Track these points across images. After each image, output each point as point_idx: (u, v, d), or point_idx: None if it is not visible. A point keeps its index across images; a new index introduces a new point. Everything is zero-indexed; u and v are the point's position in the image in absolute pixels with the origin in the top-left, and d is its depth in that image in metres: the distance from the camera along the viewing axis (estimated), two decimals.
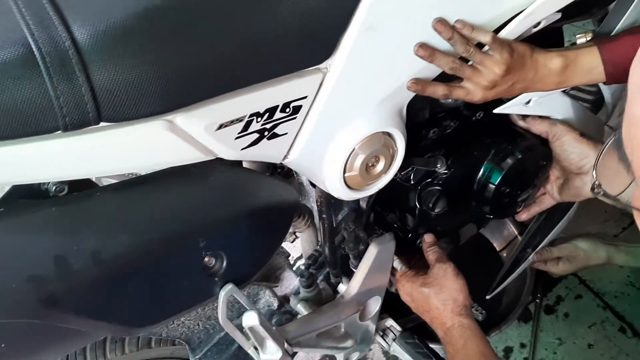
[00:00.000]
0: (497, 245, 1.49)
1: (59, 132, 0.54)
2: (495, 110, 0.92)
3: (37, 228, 0.54)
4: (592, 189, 0.54)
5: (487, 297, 1.19)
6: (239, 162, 0.79)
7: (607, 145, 0.53)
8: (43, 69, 0.51)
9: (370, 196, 0.91)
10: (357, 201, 0.96)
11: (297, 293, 0.92)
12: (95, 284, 0.56)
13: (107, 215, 0.58)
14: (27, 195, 0.60)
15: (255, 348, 0.70)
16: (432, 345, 1.05)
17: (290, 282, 0.95)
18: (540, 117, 1.02)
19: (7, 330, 0.52)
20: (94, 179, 0.67)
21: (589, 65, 0.86)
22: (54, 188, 0.60)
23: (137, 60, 0.55)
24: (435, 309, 0.97)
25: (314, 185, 0.89)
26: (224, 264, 0.66)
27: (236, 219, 0.66)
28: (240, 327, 0.67)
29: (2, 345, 0.55)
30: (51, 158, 0.55)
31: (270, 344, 0.70)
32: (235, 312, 0.89)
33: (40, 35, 0.52)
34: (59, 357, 0.85)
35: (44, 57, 0.51)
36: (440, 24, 0.74)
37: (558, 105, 1.01)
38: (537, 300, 1.44)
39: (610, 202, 0.53)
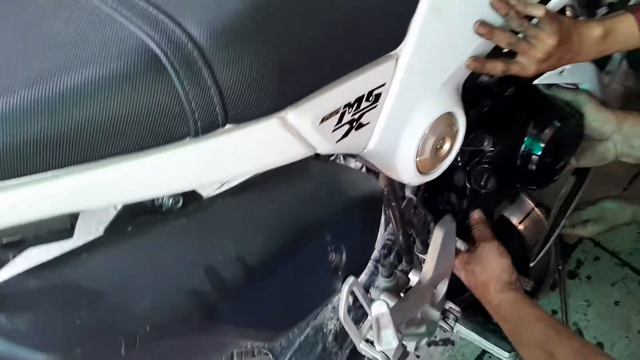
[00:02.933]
0: (515, 220, 1.52)
1: (187, 139, 0.52)
2: (536, 82, 0.95)
3: (178, 241, 0.52)
4: None
5: (531, 264, 1.21)
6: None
7: None
8: (172, 73, 0.49)
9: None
10: (411, 190, 0.96)
11: (367, 286, 0.91)
12: (245, 290, 0.54)
13: (238, 221, 0.56)
14: (140, 214, 0.57)
15: (367, 341, 0.69)
16: None
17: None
18: (564, 86, 1.06)
19: (169, 349, 0.50)
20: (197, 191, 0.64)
21: (627, 32, 0.88)
22: (170, 202, 0.57)
23: (256, 57, 0.53)
24: (481, 286, 0.98)
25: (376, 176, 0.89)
26: (344, 256, 0.65)
27: (344, 211, 0.65)
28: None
29: None
30: (178, 168, 0.53)
31: (387, 334, 0.69)
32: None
33: (160, 39, 0.50)
34: None
35: (170, 61, 0.49)
36: (497, 1, 0.75)
37: (586, 72, 1.05)
38: (560, 267, 1.48)
39: None
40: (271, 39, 0.55)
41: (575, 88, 1.07)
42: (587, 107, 1.03)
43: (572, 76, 1.00)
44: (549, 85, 1.07)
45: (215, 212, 0.56)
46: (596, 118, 1.02)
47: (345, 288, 0.65)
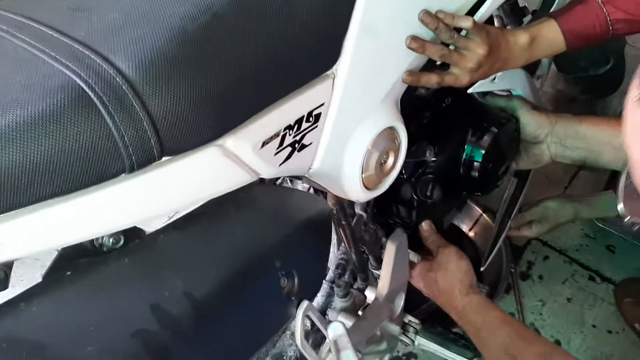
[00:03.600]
0: (465, 227, 1.55)
1: (123, 175, 0.50)
2: (470, 90, 0.97)
3: (122, 282, 0.50)
4: (624, 219, 0.56)
5: (482, 268, 1.23)
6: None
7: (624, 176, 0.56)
8: (102, 108, 0.48)
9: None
10: (360, 207, 0.96)
11: (324, 308, 0.90)
12: (197, 326, 0.52)
13: (184, 255, 0.54)
14: (80, 256, 0.54)
15: None
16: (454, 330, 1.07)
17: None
18: (498, 93, 1.09)
19: None
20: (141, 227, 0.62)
21: (551, 37, 0.92)
22: (110, 241, 0.55)
23: (188, 86, 0.52)
24: (444, 293, 0.99)
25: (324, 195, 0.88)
26: (296, 281, 0.63)
27: (293, 235, 0.64)
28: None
29: None
30: (116, 205, 0.51)
31: (347, 355, 0.68)
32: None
33: (87, 75, 0.49)
34: None
35: (99, 96, 0.48)
36: (426, 15, 0.77)
37: (517, 78, 1.08)
38: (512, 270, 1.51)
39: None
40: (202, 68, 0.54)
41: (509, 94, 1.11)
42: (520, 111, 1.06)
43: (504, 83, 1.03)
44: (484, 94, 1.10)
45: (159, 248, 0.54)
46: (529, 121, 1.05)
47: (299, 313, 0.64)
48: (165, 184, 0.53)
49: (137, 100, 0.49)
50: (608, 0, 0.90)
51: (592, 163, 1.02)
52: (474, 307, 0.97)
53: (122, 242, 0.56)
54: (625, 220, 0.53)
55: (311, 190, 0.92)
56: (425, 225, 1.05)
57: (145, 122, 0.50)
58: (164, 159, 0.52)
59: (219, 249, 0.57)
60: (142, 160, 0.50)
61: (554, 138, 1.04)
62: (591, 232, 1.61)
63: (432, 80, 0.83)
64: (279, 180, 0.92)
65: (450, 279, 0.99)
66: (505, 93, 1.11)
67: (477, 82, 0.88)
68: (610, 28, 0.92)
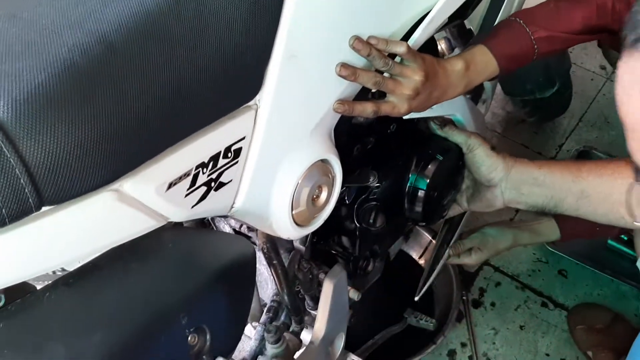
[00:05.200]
0: (415, 254, 1.51)
1: None
2: (406, 117, 0.93)
3: None
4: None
5: (416, 298, 1.19)
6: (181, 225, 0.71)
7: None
8: None
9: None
10: (300, 240, 0.91)
11: (257, 353, 0.84)
12: None
13: (71, 317, 0.48)
14: None
15: None
16: None
17: (242, 345, 0.87)
18: (456, 127, 1.05)
19: None
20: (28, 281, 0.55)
21: (485, 61, 0.91)
22: None
23: (72, 127, 0.47)
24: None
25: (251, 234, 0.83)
26: (207, 337, 0.57)
27: (206, 284, 0.59)
28: None
29: None
30: None
31: None
32: None
33: None
34: None
35: None
36: (358, 41, 0.73)
37: (456, 103, 1.05)
38: (464, 298, 1.48)
39: None
40: (91, 106, 0.48)
41: (466, 130, 1.06)
42: (477, 151, 1.00)
43: (443, 109, 0.99)
44: (442, 126, 1.06)
45: (43, 309, 0.48)
46: (485, 163, 1.00)
47: None
48: (49, 236, 0.47)
49: (7, 145, 0.43)
50: (529, 21, 0.92)
51: (550, 210, 0.98)
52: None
53: (2, 302, 0.49)
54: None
55: (244, 227, 0.86)
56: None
57: (17, 169, 0.43)
58: (44, 209, 0.46)
59: (114, 308, 0.51)
60: (15, 213, 0.44)
61: (509, 184, 0.99)
62: (543, 257, 1.59)
63: (367, 109, 0.78)
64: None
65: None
66: (444, 119, 1.08)
67: (415, 111, 0.84)
68: (535, 46, 0.92)
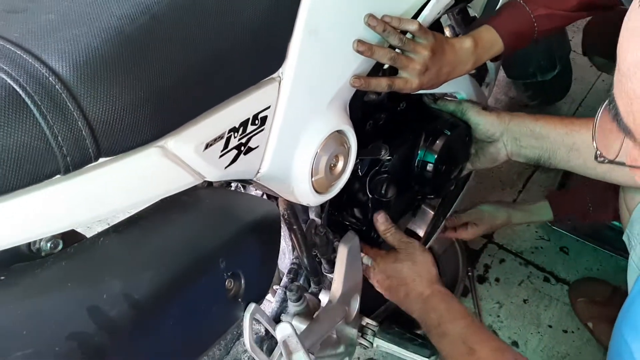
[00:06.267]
0: (421, 232, 1.56)
1: (58, 176, 0.49)
2: (415, 93, 0.98)
3: (58, 285, 0.48)
4: (595, 157, 0.59)
5: None
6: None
7: (600, 113, 0.58)
8: (34, 108, 0.47)
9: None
10: (315, 212, 0.97)
11: (278, 314, 0.89)
12: (139, 329, 0.51)
13: (123, 258, 0.53)
14: (16, 261, 0.53)
15: None
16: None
17: (264, 307, 0.92)
18: (447, 97, 1.12)
19: None
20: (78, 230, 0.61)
21: (491, 40, 0.96)
22: (48, 245, 0.54)
23: (125, 86, 0.52)
24: (412, 281, 1.00)
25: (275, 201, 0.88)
26: (242, 283, 0.63)
27: (240, 235, 0.64)
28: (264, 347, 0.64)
29: None
30: (51, 207, 0.50)
31: (299, 357, 0.67)
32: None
33: (19, 74, 0.48)
34: None
35: (31, 96, 0.47)
36: (372, 18, 0.78)
37: (461, 83, 1.10)
38: (469, 274, 1.53)
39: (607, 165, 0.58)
40: (140, 69, 0.53)
41: (455, 99, 1.13)
42: (469, 113, 1.07)
43: (448, 86, 1.04)
44: (435, 99, 1.12)
45: (99, 251, 0.53)
46: (480, 121, 1.07)
47: (247, 316, 0.63)
48: (104, 185, 0.53)
49: (71, 100, 0.48)
50: (529, 0, 0.97)
51: (544, 162, 1.05)
52: (440, 295, 0.98)
53: (60, 246, 0.55)
54: (596, 154, 0.55)
55: (264, 197, 0.92)
56: (380, 220, 1.02)
57: (80, 122, 0.49)
58: (101, 160, 0.51)
59: (160, 251, 0.56)
60: (78, 161, 0.49)
61: (510, 136, 1.06)
62: (545, 235, 1.65)
63: (382, 83, 0.84)
64: (233, 187, 0.92)
65: (418, 268, 1.00)
66: (451, 98, 1.13)
67: (426, 87, 0.89)
68: (535, 24, 0.98)
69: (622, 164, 0.55)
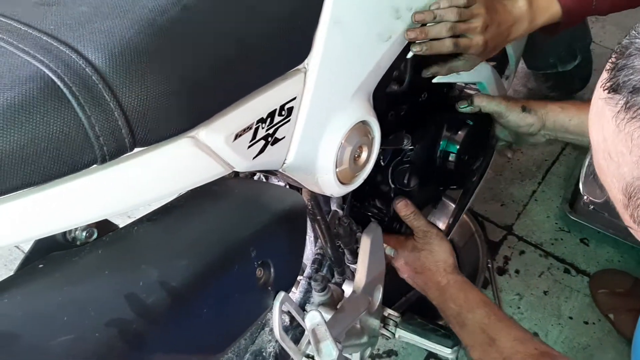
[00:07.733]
0: (442, 224, 1.56)
1: (94, 165, 0.50)
2: (435, 80, 0.98)
3: (96, 273, 0.49)
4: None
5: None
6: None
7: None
8: (72, 98, 0.48)
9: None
10: (337, 204, 0.97)
11: (302, 304, 0.90)
12: (172, 317, 0.52)
13: (158, 247, 0.54)
14: (52, 250, 0.54)
15: (307, 357, 0.68)
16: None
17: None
18: (483, 96, 1.09)
19: None
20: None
21: (546, 1, 0.94)
22: (83, 234, 0.55)
23: (159, 76, 0.53)
24: (428, 270, 1.00)
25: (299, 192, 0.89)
26: (272, 272, 0.64)
27: (269, 225, 0.65)
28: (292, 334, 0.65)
29: None
30: (87, 197, 0.51)
31: (326, 345, 0.68)
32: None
33: (57, 65, 0.48)
34: None
35: (69, 86, 0.48)
36: (419, 14, 0.80)
37: (482, 71, 1.10)
38: (489, 265, 1.53)
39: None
40: (172, 60, 0.54)
41: (489, 95, 1.11)
42: (510, 117, 1.05)
43: (470, 76, 1.04)
44: (459, 92, 1.11)
45: (133, 240, 0.54)
46: (520, 124, 1.05)
47: (276, 304, 0.64)
48: (138, 175, 0.53)
49: (108, 91, 0.49)
50: None
51: (578, 144, 1.07)
52: (457, 284, 0.98)
53: (95, 235, 0.56)
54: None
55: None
56: (401, 205, 1.02)
57: (116, 113, 0.50)
58: (136, 150, 0.52)
59: (194, 240, 0.57)
60: (114, 151, 0.50)
61: (547, 130, 1.06)
62: (565, 226, 1.64)
63: (446, 43, 0.84)
64: (256, 177, 0.93)
65: (434, 257, 1.01)
66: (472, 86, 1.13)
67: (491, 47, 0.89)
68: None
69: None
